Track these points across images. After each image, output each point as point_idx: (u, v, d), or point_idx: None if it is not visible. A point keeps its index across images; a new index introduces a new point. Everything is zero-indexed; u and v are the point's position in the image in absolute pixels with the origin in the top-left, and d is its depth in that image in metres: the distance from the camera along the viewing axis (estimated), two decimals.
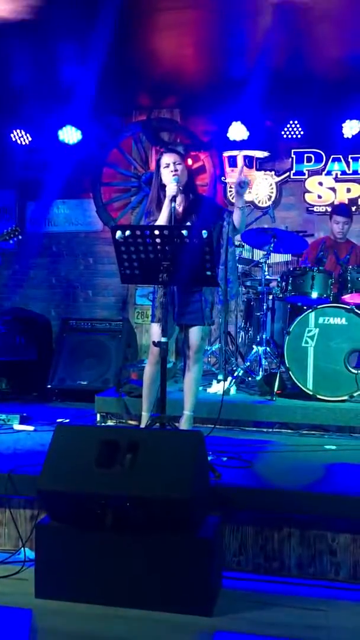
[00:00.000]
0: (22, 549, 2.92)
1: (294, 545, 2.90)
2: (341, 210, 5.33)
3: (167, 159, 3.57)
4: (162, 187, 3.57)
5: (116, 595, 2.54)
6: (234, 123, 5.96)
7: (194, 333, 3.69)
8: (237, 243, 5.48)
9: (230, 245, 3.70)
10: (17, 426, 4.25)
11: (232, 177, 6.35)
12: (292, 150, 6.28)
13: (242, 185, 3.57)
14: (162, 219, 3.49)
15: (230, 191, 6.42)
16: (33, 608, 2.55)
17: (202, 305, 3.66)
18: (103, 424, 4.41)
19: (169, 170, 3.53)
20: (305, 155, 6.26)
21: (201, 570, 2.51)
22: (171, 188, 3.47)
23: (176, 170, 3.52)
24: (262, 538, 2.93)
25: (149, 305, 5.76)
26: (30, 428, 4.22)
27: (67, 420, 4.52)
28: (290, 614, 2.53)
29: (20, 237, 4.60)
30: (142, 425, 3.68)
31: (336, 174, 6.20)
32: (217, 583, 2.69)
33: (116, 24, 4.63)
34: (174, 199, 3.45)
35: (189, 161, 5.94)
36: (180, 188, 3.51)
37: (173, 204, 3.44)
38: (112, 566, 2.55)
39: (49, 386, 5.58)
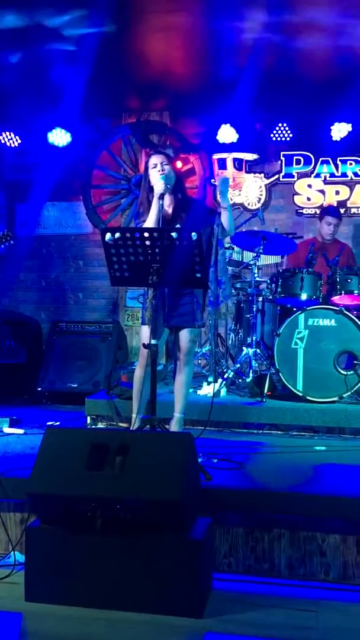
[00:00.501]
0: (12, 552, 2.91)
1: (284, 546, 2.91)
2: (333, 211, 5.36)
3: (155, 159, 3.62)
4: (151, 188, 3.59)
5: (107, 597, 2.54)
6: (223, 126, 5.97)
7: (184, 335, 3.70)
8: (226, 245, 5.49)
9: (220, 247, 3.71)
10: (7, 429, 4.23)
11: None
12: (282, 153, 6.30)
13: (223, 183, 3.60)
14: (151, 218, 3.51)
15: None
16: (23, 612, 2.54)
17: (193, 308, 3.66)
18: (93, 426, 4.40)
19: (156, 171, 3.56)
20: (295, 157, 6.29)
21: (192, 572, 2.51)
22: (159, 186, 3.50)
23: (163, 170, 3.55)
24: (253, 539, 2.93)
25: (140, 308, 5.76)
26: (20, 431, 4.21)
27: (58, 423, 4.51)
28: (281, 615, 2.54)
29: (11, 242, 4.58)
30: (133, 428, 3.68)
31: (325, 177, 6.24)
32: (207, 585, 2.69)
33: (105, 26, 4.65)
34: (161, 196, 3.48)
35: (179, 163, 5.95)
36: (168, 186, 3.53)
37: (161, 202, 3.46)
38: (102, 569, 2.55)
39: (39, 389, 5.57)
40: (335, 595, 2.74)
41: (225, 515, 2.95)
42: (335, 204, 6.07)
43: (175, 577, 2.51)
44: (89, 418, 4.46)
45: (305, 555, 2.89)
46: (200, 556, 2.54)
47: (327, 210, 5.43)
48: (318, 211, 6.12)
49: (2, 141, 6.40)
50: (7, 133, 6.38)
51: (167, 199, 3.59)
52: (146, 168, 3.66)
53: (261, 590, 2.76)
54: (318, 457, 3.70)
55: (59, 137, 6.20)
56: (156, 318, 3.22)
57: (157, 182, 3.52)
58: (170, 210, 3.64)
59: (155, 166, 3.59)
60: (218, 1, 4.48)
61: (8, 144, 6.42)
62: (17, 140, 6.40)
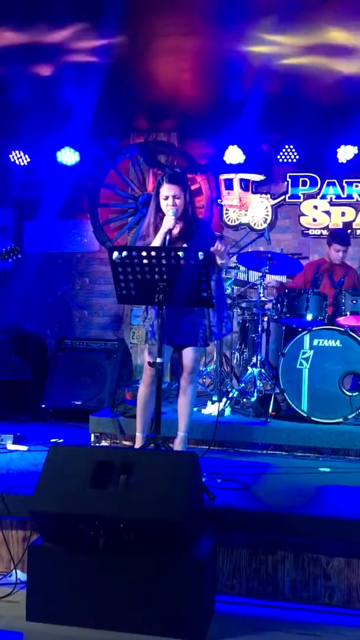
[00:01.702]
0: (14, 570, 2.89)
1: (287, 568, 2.88)
2: (342, 239, 5.30)
3: (167, 190, 3.54)
4: (159, 212, 3.58)
5: (109, 618, 2.52)
6: (230, 147, 6.03)
7: (189, 354, 3.70)
8: (232, 265, 5.52)
9: (219, 280, 3.71)
10: (11, 446, 4.22)
11: (228, 199, 6.42)
12: (288, 174, 6.35)
13: (221, 256, 3.55)
14: (155, 244, 3.50)
15: (226, 214, 6.48)
16: (24, 631, 2.52)
17: (195, 327, 3.67)
18: (97, 444, 4.39)
19: (167, 204, 3.54)
20: (301, 179, 6.34)
21: (194, 593, 2.49)
22: (169, 221, 3.48)
23: (174, 205, 3.52)
24: (256, 561, 2.91)
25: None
26: (24, 448, 4.20)
27: (61, 440, 4.50)
28: (284, 639, 2.51)
29: (19, 256, 4.61)
30: (137, 446, 3.67)
31: (331, 198, 6.27)
32: (210, 607, 2.67)
33: (115, 48, 4.72)
34: (169, 232, 3.47)
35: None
36: (178, 222, 3.52)
37: (168, 237, 3.46)
38: (104, 589, 2.53)
39: (43, 405, 5.56)
40: (339, 620, 2.71)
41: (228, 536, 2.93)
42: (340, 226, 6.10)
43: (178, 599, 2.48)
44: (92, 436, 4.45)
45: (309, 579, 2.86)
46: (203, 577, 2.51)
47: (336, 237, 5.35)
48: (324, 232, 6.14)
49: (12, 160, 6.47)
50: (17, 152, 6.45)
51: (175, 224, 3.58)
52: (157, 192, 3.59)
53: (264, 614, 2.73)
54: (322, 478, 3.67)
55: (68, 156, 6.27)
56: (162, 336, 3.23)
57: (168, 217, 3.49)
58: (176, 232, 3.63)
59: (166, 198, 3.54)
60: (226, 25, 4.54)
61: (17, 162, 6.49)
62: (26, 158, 6.48)
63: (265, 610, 2.76)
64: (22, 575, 2.84)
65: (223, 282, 3.88)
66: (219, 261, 3.58)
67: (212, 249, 3.47)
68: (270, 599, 2.85)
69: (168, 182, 3.56)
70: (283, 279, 5.90)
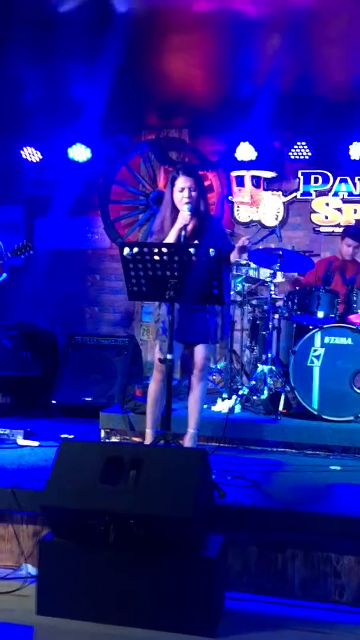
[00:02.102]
0: (24, 565, 2.91)
1: (297, 566, 2.88)
2: (354, 234, 5.31)
3: (183, 182, 3.51)
4: (174, 207, 3.55)
5: (118, 613, 2.52)
6: (242, 143, 6.01)
7: (199, 351, 3.70)
8: (243, 262, 5.50)
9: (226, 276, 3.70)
10: (21, 441, 4.24)
11: (239, 196, 6.40)
12: (300, 171, 6.32)
13: (242, 251, 3.54)
14: (169, 241, 3.49)
15: (237, 211, 6.46)
16: (35, 625, 2.53)
17: (207, 324, 3.66)
18: (107, 440, 4.40)
19: (183, 195, 3.50)
20: (313, 176, 6.31)
21: (204, 589, 2.49)
22: (184, 217, 3.45)
23: (190, 197, 3.49)
24: (266, 558, 2.90)
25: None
26: (35, 443, 4.21)
27: (72, 436, 4.51)
28: (294, 637, 2.51)
29: (31, 252, 4.63)
30: (147, 442, 3.67)
31: (343, 195, 6.24)
32: (220, 603, 2.67)
33: (126, 45, 4.71)
34: (184, 227, 3.45)
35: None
36: (193, 215, 3.50)
37: (183, 233, 3.43)
38: (114, 584, 2.54)
39: (53, 401, 5.58)
40: (349, 618, 2.70)
41: (238, 533, 2.93)
42: (353, 223, 6.06)
43: (188, 595, 2.49)
44: (102, 432, 4.46)
45: (319, 576, 2.85)
46: (213, 574, 2.52)
47: (348, 232, 5.39)
48: (336, 229, 6.11)
49: (24, 156, 6.49)
50: (29, 148, 6.47)
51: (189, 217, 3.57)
52: (171, 185, 3.55)
53: (274, 611, 2.73)
54: (333, 476, 3.66)
55: (79, 153, 6.28)
56: (172, 333, 3.23)
57: (183, 212, 3.45)
58: (190, 228, 3.61)
59: (182, 190, 3.50)
60: (237, 21, 4.52)
61: (29, 159, 6.51)
62: (38, 155, 6.49)
63: (275, 608, 2.76)
64: (32, 570, 2.86)
65: (230, 280, 3.87)
66: (232, 259, 3.57)
67: (238, 244, 3.45)
68: (280, 596, 2.85)
69: (184, 174, 3.53)
70: (295, 276, 5.88)
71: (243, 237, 3.49)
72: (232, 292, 5.16)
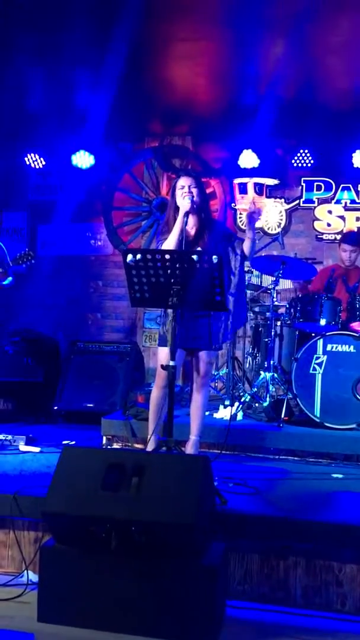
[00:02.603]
0: (26, 571, 2.90)
1: (299, 574, 2.87)
2: (349, 238, 5.36)
3: (183, 181, 3.63)
4: (177, 208, 3.61)
5: (119, 621, 2.51)
6: (245, 151, 6.03)
7: (202, 358, 3.70)
8: (246, 269, 5.51)
9: (232, 275, 3.73)
10: (23, 447, 4.24)
11: (242, 203, 6.41)
12: (302, 179, 6.34)
13: (254, 217, 3.61)
14: (173, 235, 3.54)
15: (240, 218, 6.48)
16: (35, 632, 2.52)
17: (210, 330, 3.67)
18: (109, 446, 4.39)
19: (183, 192, 3.58)
20: (315, 183, 6.32)
21: (206, 597, 2.48)
22: (185, 205, 3.53)
23: (191, 193, 3.57)
24: (268, 566, 2.89)
25: (157, 329, 5.78)
26: (36, 449, 4.21)
27: (73, 442, 4.51)
28: None
29: (32, 261, 4.63)
30: (149, 449, 3.67)
31: (345, 203, 6.25)
32: (221, 612, 2.66)
33: (130, 52, 4.73)
34: (186, 214, 3.50)
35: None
36: (195, 207, 3.55)
37: (185, 219, 3.49)
38: (116, 591, 2.53)
39: (55, 407, 5.58)
40: (351, 627, 2.68)
41: (240, 541, 2.92)
42: (355, 230, 6.07)
43: (189, 603, 2.48)
44: (104, 438, 4.46)
45: (321, 585, 2.84)
46: (214, 582, 2.51)
47: (344, 237, 5.45)
48: (338, 237, 6.12)
49: (27, 162, 6.52)
50: (32, 154, 6.49)
51: (191, 220, 3.62)
52: (174, 189, 3.66)
53: (276, 619, 2.72)
54: (335, 484, 3.65)
55: (83, 160, 6.30)
56: (175, 339, 3.23)
57: (184, 201, 3.54)
58: (193, 232, 3.67)
59: (182, 187, 3.60)
60: (241, 29, 4.54)
61: (33, 165, 6.53)
62: (41, 161, 6.52)
63: (276, 616, 2.74)
64: (33, 577, 2.85)
65: (244, 275, 3.88)
66: (246, 250, 3.61)
67: (247, 210, 3.55)
68: (281, 604, 2.84)
69: (184, 175, 3.68)
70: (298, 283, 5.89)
71: (251, 204, 3.55)
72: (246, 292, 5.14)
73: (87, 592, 2.55)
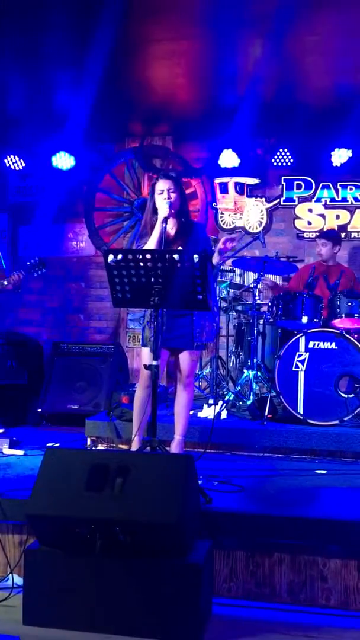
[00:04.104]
0: (10, 575, 2.88)
1: (284, 570, 2.89)
2: (326, 234, 5.42)
3: (162, 185, 3.61)
4: (155, 211, 3.61)
5: (105, 622, 2.51)
6: (225, 150, 6.05)
7: (185, 357, 3.71)
8: (227, 268, 5.53)
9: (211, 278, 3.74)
10: (7, 450, 4.21)
11: (223, 203, 6.44)
12: (282, 178, 6.37)
13: (225, 249, 3.54)
14: (152, 240, 3.53)
15: (221, 217, 6.50)
16: (21, 636, 2.51)
17: (192, 329, 3.67)
18: (93, 448, 4.39)
19: (162, 197, 3.57)
20: (295, 182, 6.36)
21: (191, 596, 2.48)
22: (163, 210, 3.52)
23: (169, 197, 3.56)
24: (253, 563, 2.91)
25: (140, 329, 5.78)
26: (20, 452, 4.19)
27: (57, 445, 4.49)
28: None
29: (44, 270, 4.55)
30: (133, 449, 3.67)
31: (325, 201, 6.30)
32: (207, 609, 2.66)
33: (110, 53, 4.73)
34: (165, 220, 3.50)
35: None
36: (173, 211, 3.56)
37: (164, 225, 3.49)
38: (101, 592, 2.53)
39: (39, 410, 5.56)
40: (336, 622, 2.71)
41: (225, 539, 2.93)
42: (335, 228, 6.12)
43: (174, 602, 2.48)
44: (89, 440, 4.45)
45: (306, 580, 2.86)
46: (200, 580, 2.51)
47: (322, 233, 5.52)
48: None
49: (7, 164, 6.47)
50: (12, 156, 6.45)
51: (171, 222, 3.62)
52: (152, 191, 3.65)
53: (261, 616, 2.73)
54: (319, 480, 3.68)
55: (63, 161, 6.28)
56: (157, 339, 3.23)
57: (163, 206, 3.54)
58: (172, 232, 3.67)
59: (161, 192, 3.58)
60: (219, 30, 4.56)
61: (12, 167, 6.49)
62: (21, 163, 6.47)
63: (262, 613, 2.76)
64: (18, 580, 2.83)
65: (214, 284, 3.90)
66: (214, 260, 3.60)
67: (217, 247, 3.50)
68: (267, 601, 2.85)
69: (162, 178, 3.66)
70: (279, 279, 5.91)
71: (223, 237, 3.53)
72: (217, 298, 5.19)
73: (73, 593, 2.55)
